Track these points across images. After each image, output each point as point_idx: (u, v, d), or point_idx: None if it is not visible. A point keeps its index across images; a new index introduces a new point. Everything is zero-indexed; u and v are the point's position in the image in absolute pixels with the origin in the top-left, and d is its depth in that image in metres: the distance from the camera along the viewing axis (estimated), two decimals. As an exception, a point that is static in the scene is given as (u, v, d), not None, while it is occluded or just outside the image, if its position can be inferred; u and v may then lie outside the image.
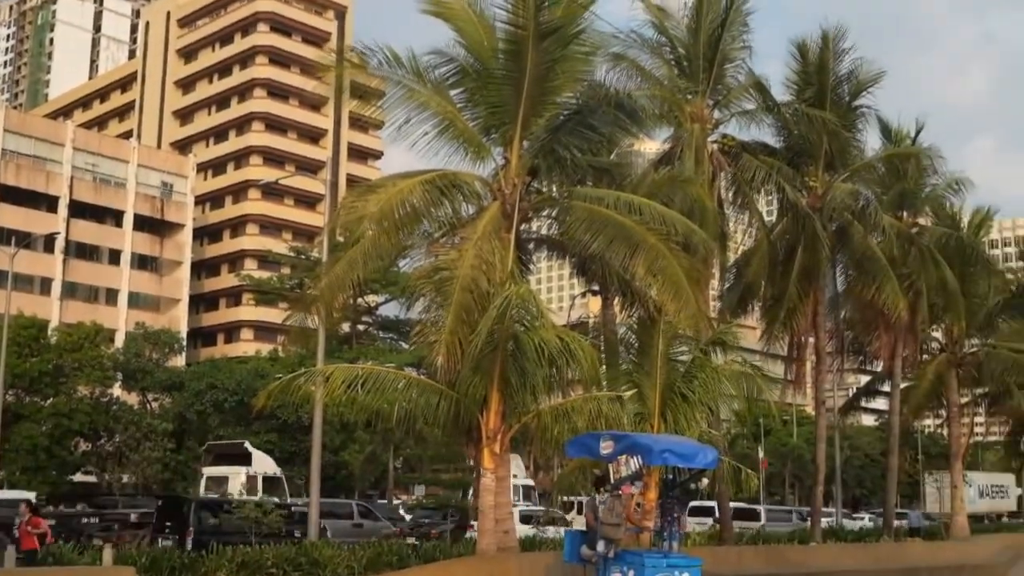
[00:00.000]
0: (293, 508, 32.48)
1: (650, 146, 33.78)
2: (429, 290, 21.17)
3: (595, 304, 30.11)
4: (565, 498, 42.42)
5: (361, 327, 68.43)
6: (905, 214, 39.43)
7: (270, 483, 39.79)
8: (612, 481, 16.55)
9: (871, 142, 38.96)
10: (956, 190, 39.84)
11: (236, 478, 39.05)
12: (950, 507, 45.13)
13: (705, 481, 28.79)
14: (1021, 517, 74.69)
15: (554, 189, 23.38)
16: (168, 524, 28.65)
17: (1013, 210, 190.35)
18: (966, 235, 41.24)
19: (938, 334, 44.48)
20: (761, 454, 76.27)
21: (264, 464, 41.10)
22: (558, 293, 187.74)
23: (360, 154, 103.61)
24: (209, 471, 41.74)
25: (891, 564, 28.73)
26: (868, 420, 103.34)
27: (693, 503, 58.87)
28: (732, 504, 34.48)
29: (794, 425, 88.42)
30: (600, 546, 16.26)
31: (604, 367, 24.35)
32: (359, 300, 59.05)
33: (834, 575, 26.28)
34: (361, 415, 26.21)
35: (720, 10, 30.34)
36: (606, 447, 16.76)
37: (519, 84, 20.47)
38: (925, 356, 44.24)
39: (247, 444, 42.30)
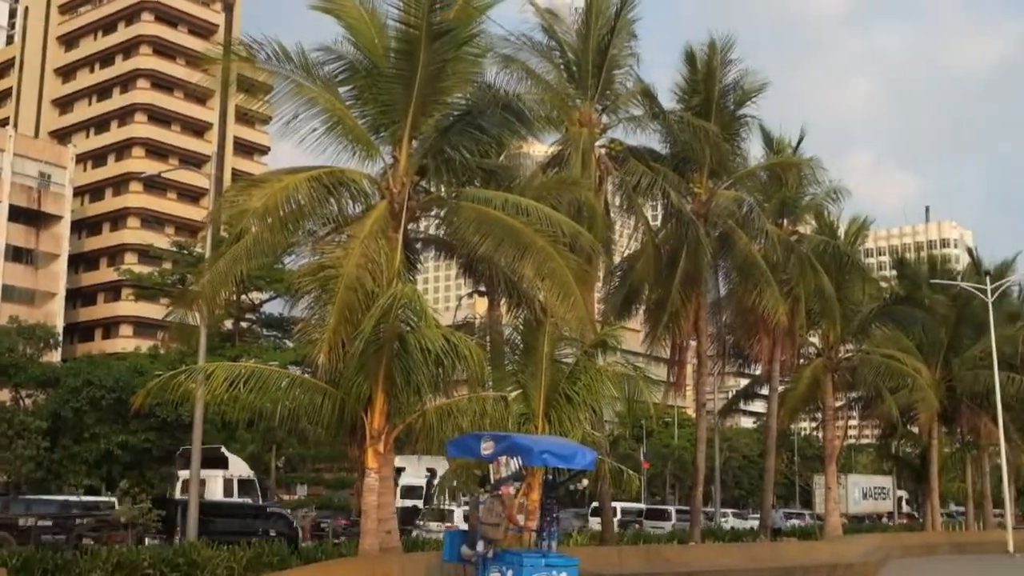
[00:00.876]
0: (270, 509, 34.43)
1: (539, 149, 34.00)
2: (314, 288, 20.98)
3: (482, 305, 30.24)
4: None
5: (244, 324, 67.42)
6: (786, 222, 40.33)
7: (244, 485, 42.11)
8: (492, 482, 16.61)
9: (755, 150, 39.81)
10: (835, 199, 40.96)
11: (213, 481, 40.32)
12: (824, 507, 46.35)
13: (585, 482, 29.04)
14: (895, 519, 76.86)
15: (443, 189, 23.38)
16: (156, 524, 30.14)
17: (888, 220, 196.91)
18: (843, 244, 42.34)
19: (815, 339, 45.57)
20: (643, 455, 77.33)
21: (239, 467, 43.11)
22: (445, 293, 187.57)
23: (246, 149, 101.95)
24: (185, 474, 41.59)
25: (767, 563, 29.38)
26: (747, 422, 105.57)
27: (595, 504, 59.74)
28: (647, 506, 34.94)
29: (675, 427, 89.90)
30: (480, 546, 16.33)
31: (490, 368, 24.41)
32: (243, 297, 58.24)
33: (711, 574, 26.76)
34: (243, 414, 25.80)
35: (609, 17, 30.72)
36: (487, 448, 16.84)
37: (410, 83, 20.43)
38: (802, 360, 45.28)
39: (223, 448, 43.07)
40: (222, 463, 42.02)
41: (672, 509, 58.30)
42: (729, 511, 68.17)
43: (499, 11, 22.60)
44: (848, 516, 69.62)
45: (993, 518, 62.37)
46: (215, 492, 39.69)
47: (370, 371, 19.70)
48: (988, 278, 51.71)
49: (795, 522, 58.67)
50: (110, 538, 28.81)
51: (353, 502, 42.26)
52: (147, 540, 28.75)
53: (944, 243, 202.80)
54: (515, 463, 16.63)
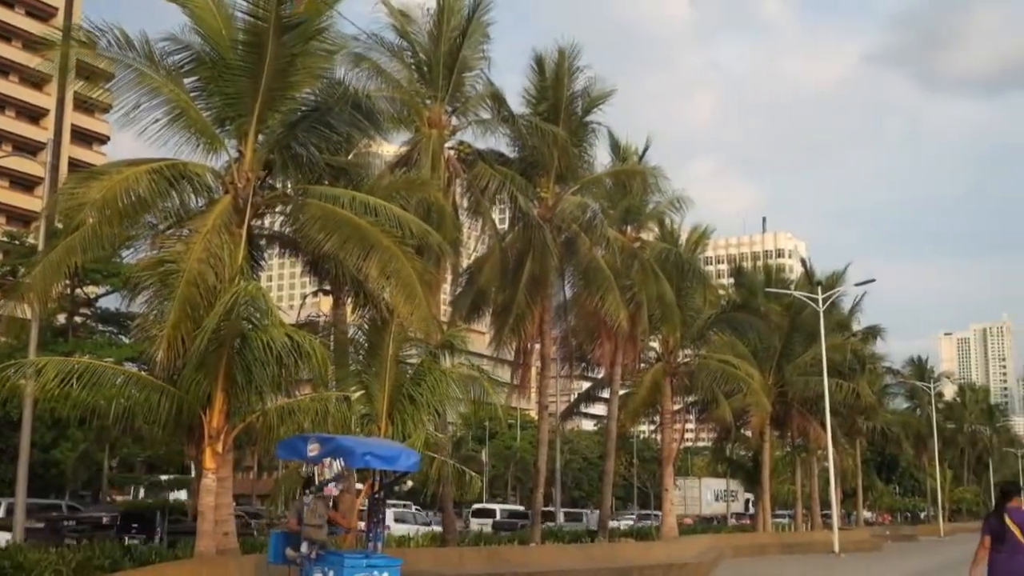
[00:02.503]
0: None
1: (388, 148, 33.85)
2: (153, 283, 20.41)
3: (327, 303, 29.90)
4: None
5: (79, 319, 65.04)
6: (629, 228, 41.12)
7: None
8: (317, 483, 16.56)
9: (602, 157, 40.46)
10: (677, 208, 41.91)
11: None
12: (661, 508, 47.36)
13: (410, 483, 29.03)
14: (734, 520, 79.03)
15: (289, 186, 23.07)
16: (135, 525, 32.70)
17: (728, 229, 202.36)
18: (684, 251, 43.41)
19: (656, 344, 46.55)
20: (485, 456, 77.79)
21: None
22: (289, 291, 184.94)
23: (85, 137, 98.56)
24: None
25: (605, 564, 29.81)
26: (588, 425, 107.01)
27: (477, 505, 60.40)
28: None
29: (518, 429, 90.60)
30: (304, 547, 16.29)
31: (333, 367, 24.19)
32: (77, 291, 56.22)
33: (551, 574, 27.04)
34: (75, 411, 24.94)
35: (462, 19, 30.79)
36: (313, 449, 16.78)
37: (257, 77, 20.11)
38: (643, 365, 46.21)
39: None
40: None
41: (560, 511, 60.11)
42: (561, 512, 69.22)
43: (351, 9, 22.49)
44: (700, 517, 71.77)
45: (821, 519, 64.80)
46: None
47: (210, 369, 19.30)
48: (820, 288, 53.76)
49: (626, 522, 60.16)
50: (92, 538, 28.00)
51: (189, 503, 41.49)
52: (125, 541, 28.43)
53: (780, 253, 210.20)
54: (338, 464, 16.59)
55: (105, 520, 36.77)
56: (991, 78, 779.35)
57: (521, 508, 63.39)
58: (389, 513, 49.79)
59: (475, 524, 54.95)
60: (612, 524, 44.24)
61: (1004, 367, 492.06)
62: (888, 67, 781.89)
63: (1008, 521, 12.16)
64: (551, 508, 61.46)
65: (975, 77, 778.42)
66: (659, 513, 51.21)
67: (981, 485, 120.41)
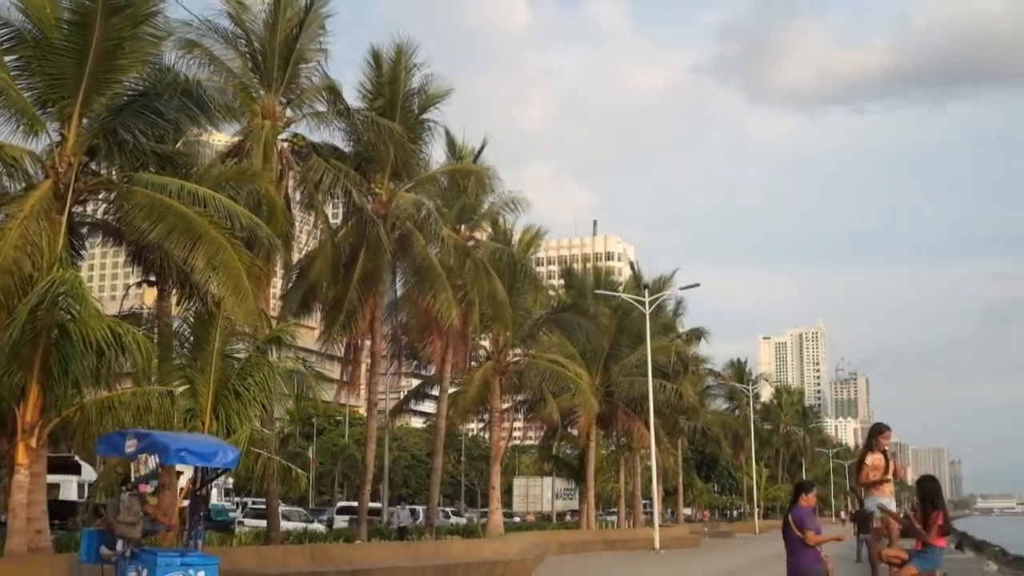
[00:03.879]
0: None
1: (219, 138, 33.10)
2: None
3: (151, 295, 28.99)
4: None
5: None
6: (464, 227, 41.27)
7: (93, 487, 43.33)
8: (133, 480, 16.18)
9: (438, 156, 40.48)
10: (511, 209, 42.24)
11: (68, 485, 42.64)
12: (488, 506, 47.71)
13: (231, 480, 28.52)
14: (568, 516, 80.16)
15: (114, 172, 22.35)
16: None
17: (560, 231, 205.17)
18: (517, 251, 43.79)
19: (486, 343, 46.87)
20: (312, 453, 76.94)
21: (89, 473, 44.19)
22: (112, 281, 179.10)
23: None
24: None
25: (431, 561, 29.81)
26: (417, 422, 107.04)
27: (342, 503, 59.74)
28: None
29: (347, 426, 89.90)
30: (119, 545, 15.89)
31: (157, 361, 23.51)
32: None
33: (375, 572, 26.91)
34: None
35: (299, 10, 30.31)
36: (130, 445, 16.39)
37: (82, 58, 19.44)
38: (474, 363, 46.46)
39: (75, 456, 43.46)
40: (76, 469, 43.98)
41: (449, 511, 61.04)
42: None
43: (183, -7, 21.89)
44: (541, 514, 72.97)
45: (643, 516, 66.35)
46: (70, 494, 42.12)
47: (25, 361, 18.58)
48: (647, 291, 54.99)
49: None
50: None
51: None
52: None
53: (609, 256, 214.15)
54: (154, 461, 16.23)
55: None
56: (813, 93, 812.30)
57: (378, 505, 63.66)
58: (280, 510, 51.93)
59: (339, 521, 54.93)
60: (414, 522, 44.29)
61: (818, 370, 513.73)
62: (715, 78, 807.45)
63: (791, 519, 12.61)
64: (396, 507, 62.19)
65: (797, 92, 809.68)
66: (397, 510, 51.39)
67: (794, 483, 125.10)
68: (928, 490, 14.17)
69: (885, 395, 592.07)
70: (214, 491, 59.34)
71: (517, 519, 72.30)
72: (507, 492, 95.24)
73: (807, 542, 12.53)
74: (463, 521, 61.24)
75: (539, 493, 76.24)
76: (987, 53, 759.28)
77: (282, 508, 56.45)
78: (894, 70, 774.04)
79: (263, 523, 37.57)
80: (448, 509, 75.71)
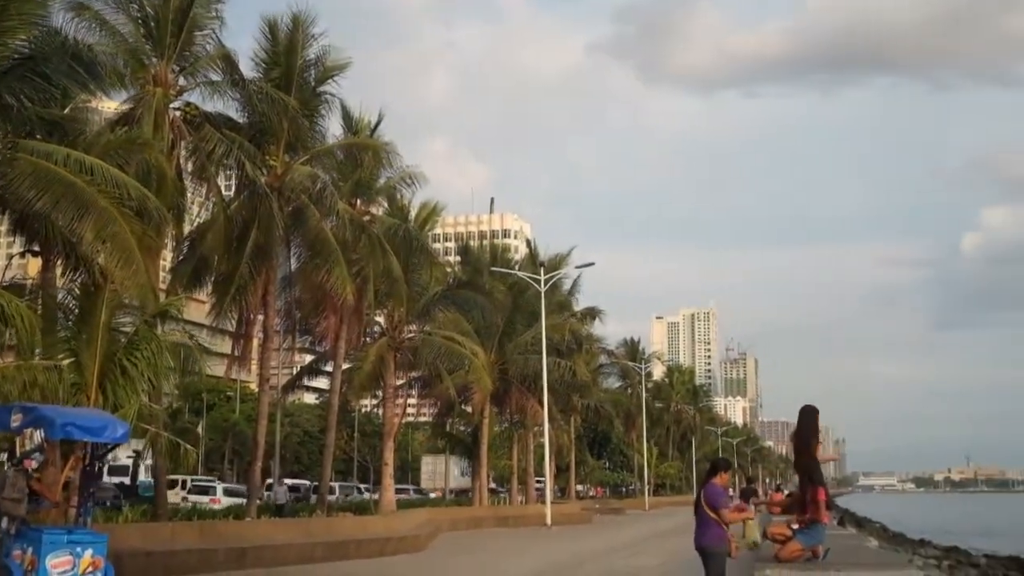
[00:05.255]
0: None
1: (109, 105, 32.23)
2: None
3: (35, 265, 28.16)
4: None
5: None
6: (359, 202, 40.86)
7: None
8: (18, 455, 15.78)
9: (334, 129, 39.96)
10: (408, 184, 41.81)
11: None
12: (381, 482, 47.57)
13: (120, 455, 28.01)
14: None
15: (-3, 139, 21.60)
16: None
17: (458, 207, 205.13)
18: (413, 227, 43.51)
19: (381, 319, 46.62)
20: (201, 429, 75.86)
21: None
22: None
23: None
24: None
25: (322, 538, 29.66)
26: (310, 398, 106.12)
27: (290, 480, 59.36)
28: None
29: (238, 401, 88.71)
30: (3, 523, 15.47)
31: (41, 333, 22.85)
32: None
33: (265, 549, 26.67)
34: None
35: (194, -25, 29.61)
36: (16, 419, 15.98)
37: (-37, 20, 18.70)
38: (368, 339, 46.20)
39: None
40: None
41: (336, 485, 62.54)
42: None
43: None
44: (450, 490, 73.43)
45: (535, 493, 66.88)
46: None
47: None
48: (543, 269, 55.31)
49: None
50: None
51: None
52: None
53: (506, 233, 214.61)
54: (40, 436, 15.83)
55: None
56: (709, 75, 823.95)
57: (307, 482, 64.19)
58: (219, 487, 53.46)
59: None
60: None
61: (709, 350, 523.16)
62: (613, 58, 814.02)
63: (703, 495, 12.90)
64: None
65: (694, 73, 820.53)
66: (410, 487, 51.55)
67: (684, 461, 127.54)
68: (805, 467, 14.35)
69: (773, 375, 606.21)
70: (141, 468, 59.97)
71: (433, 495, 72.73)
72: (416, 470, 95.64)
73: (725, 520, 12.87)
74: (376, 496, 61.59)
75: (446, 470, 76.86)
76: (879, 41, 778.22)
77: (224, 485, 56.75)
78: (789, 54, 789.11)
79: (205, 498, 37.41)
80: (361, 485, 75.88)
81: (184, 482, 54.39)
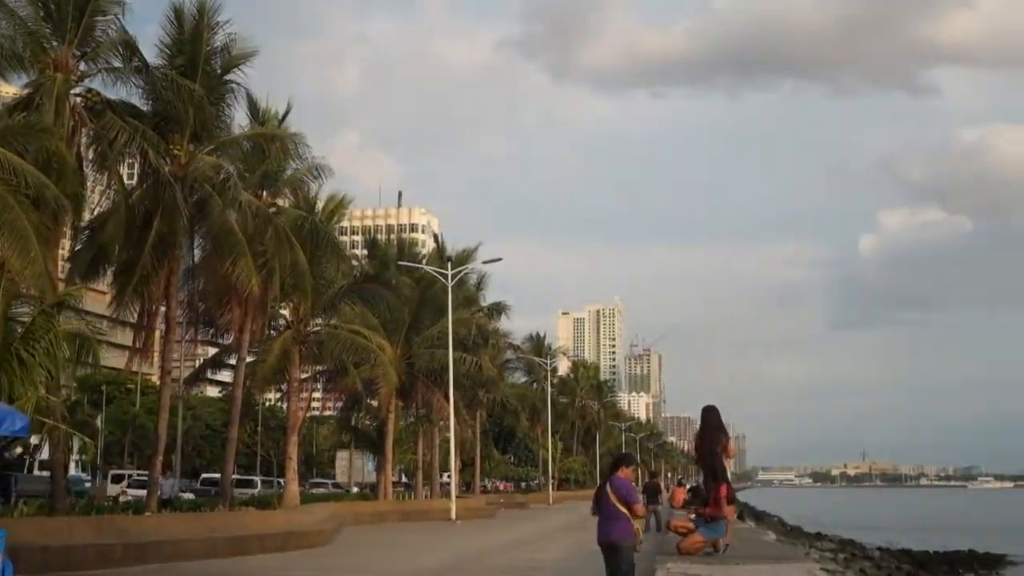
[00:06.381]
0: None
1: (7, 90, 31.42)
2: None
3: (-74, 254, 27.39)
4: None
5: None
6: (266, 193, 40.34)
7: None
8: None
9: (241, 119, 39.37)
10: (316, 176, 41.34)
11: None
12: (284, 477, 47.15)
13: (19, 449, 27.44)
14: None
15: None
16: None
17: (366, 201, 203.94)
18: (320, 220, 43.11)
19: (287, 312, 46.18)
20: (100, 422, 74.44)
21: None
22: None
23: None
24: None
25: (225, 533, 29.29)
26: (213, 391, 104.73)
27: (206, 475, 58.67)
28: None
29: (138, 394, 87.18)
30: None
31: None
32: None
33: (165, 544, 26.27)
34: None
35: (96, -42, 28.99)
36: None
37: None
38: (273, 332, 45.74)
39: None
40: None
41: (257, 479, 65.52)
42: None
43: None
44: (365, 484, 73.24)
45: (440, 487, 66.87)
46: None
47: None
48: (450, 264, 55.32)
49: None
50: None
51: None
52: None
53: (414, 228, 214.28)
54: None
55: None
56: (619, 75, 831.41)
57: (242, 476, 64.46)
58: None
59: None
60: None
61: (614, 346, 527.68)
62: (523, 55, 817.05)
63: (609, 489, 12.94)
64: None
65: (604, 72, 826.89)
66: (328, 482, 51.18)
67: (588, 456, 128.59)
68: (709, 464, 14.68)
69: (677, 371, 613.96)
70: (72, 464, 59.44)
71: (355, 490, 72.41)
72: (321, 464, 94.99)
73: (638, 515, 13.03)
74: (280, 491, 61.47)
75: (360, 465, 76.54)
76: (782, 45, 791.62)
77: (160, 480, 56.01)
78: (695, 56, 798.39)
79: (142, 492, 36.60)
80: (279, 480, 75.17)
81: (129, 476, 54.05)
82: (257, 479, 67.69)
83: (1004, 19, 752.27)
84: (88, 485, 56.87)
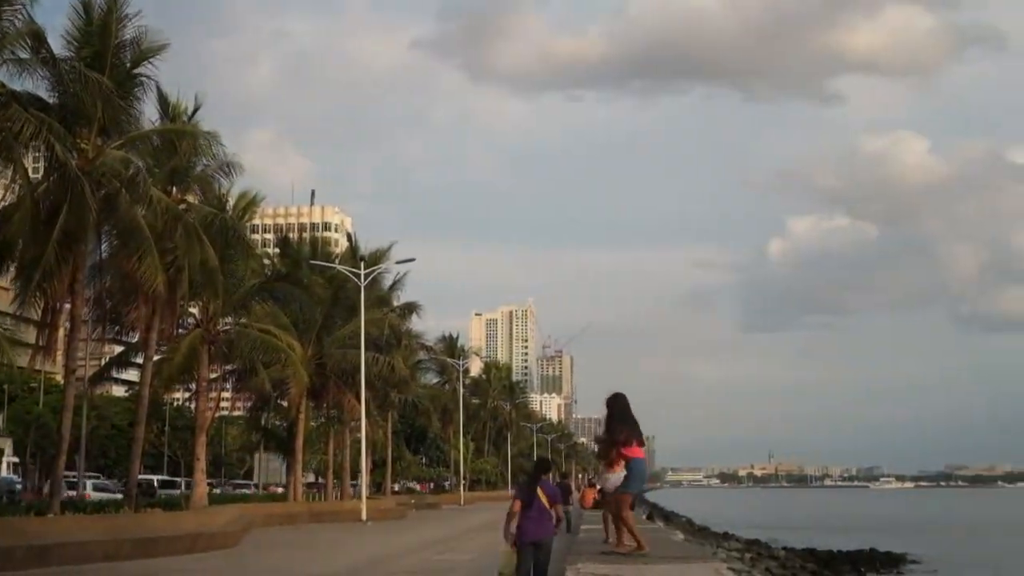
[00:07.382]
0: None
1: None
2: None
3: None
4: None
5: None
6: (175, 190, 39.74)
7: None
8: None
9: (151, 113, 38.70)
10: (227, 173, 40.82)
11: None
12: (193, 478, 46.49)
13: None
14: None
15: None
16: None
17: (279, 199, 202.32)
18: (231, 217, 42.58)
19: (196, 310, 45.54)
20: (2, 422, 72.75)
21: None
22: None
23: None
24: None
25: (131, 534, 28.86)
26: (119, 391, 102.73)
27: (160, 477, 58.10)
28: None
29: (41, 393, 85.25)
30: None
31: None
32: None
33: (69, 546, 25.79)
34: None
35: (2, -53, 28.30)
36: None
37: None
38: (182, 331, 45.06)
39: None
40: None
41: (155, 479, 65.09)
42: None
43: None
44: (307, 485, 72.83)
45: (351, 488, 66.54)
46: None
47: None
48: (363, 263, 55.12)
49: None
50: None
51: None
52: None
53: (327, 227, 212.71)
54: None
55: None
56: (534, 77, 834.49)
57: (154, 477, 64.56)
58: (89, 483, 54.71)
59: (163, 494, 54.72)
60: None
61: (526, 347, 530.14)
62: (439, 56, 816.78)
63: (539, 490, 14.13)
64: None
65: (519, 74, 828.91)
66: (251, 483, 50.57)
67: (500, 457, 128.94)
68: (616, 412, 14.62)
69: (588, 372, 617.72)
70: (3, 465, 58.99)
71: (281, 490, 71.76)
72: (230, 465, 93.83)
73: (559, 514, 14.45)
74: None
75: (278, 467, 76.02)
76: (697, 49, 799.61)
77: (95, 481, 55.70)
78: (609, 60, 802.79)
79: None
80: (212, 480, 75.41)
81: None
82: (181, 480, 67.42)
83: (905, 31, 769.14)
84: (19, 487, 55.98)
